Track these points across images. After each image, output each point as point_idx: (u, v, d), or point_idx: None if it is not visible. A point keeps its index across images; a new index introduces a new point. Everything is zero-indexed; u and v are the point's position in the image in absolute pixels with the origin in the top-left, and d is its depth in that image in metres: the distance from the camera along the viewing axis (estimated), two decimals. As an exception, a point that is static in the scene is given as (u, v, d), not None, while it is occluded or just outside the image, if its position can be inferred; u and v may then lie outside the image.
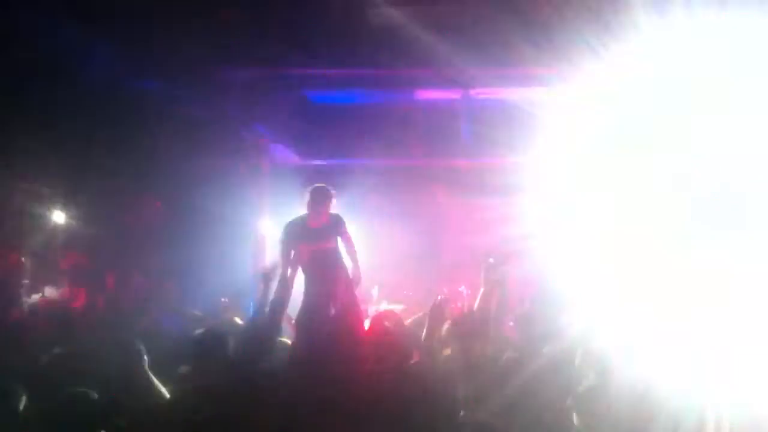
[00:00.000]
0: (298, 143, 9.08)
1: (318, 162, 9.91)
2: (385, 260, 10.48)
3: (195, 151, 8.78)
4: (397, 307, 9.73)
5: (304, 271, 6.33)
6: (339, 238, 6.55)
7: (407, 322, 5.18)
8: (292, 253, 6.29)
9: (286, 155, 9.16)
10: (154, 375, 3.83)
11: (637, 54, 7.01)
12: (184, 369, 4.22)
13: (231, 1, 6.98)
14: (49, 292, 7.85)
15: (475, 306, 4.79)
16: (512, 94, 8.52)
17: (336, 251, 6.46)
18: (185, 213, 8.70)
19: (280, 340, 4.70)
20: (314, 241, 6.37)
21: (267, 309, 4.64)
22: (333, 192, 6.41)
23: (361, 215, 10.85)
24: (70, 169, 7.27)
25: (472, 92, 8.21)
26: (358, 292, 6.81)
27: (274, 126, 8.35)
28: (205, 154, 8.90)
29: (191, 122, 8.61)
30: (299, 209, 9.38)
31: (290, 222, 6.43)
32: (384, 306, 9.78)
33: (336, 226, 6.43)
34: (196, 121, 8.63)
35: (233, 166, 8.83)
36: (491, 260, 4.96)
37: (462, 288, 10.10)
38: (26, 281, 7.68)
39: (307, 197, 6.24)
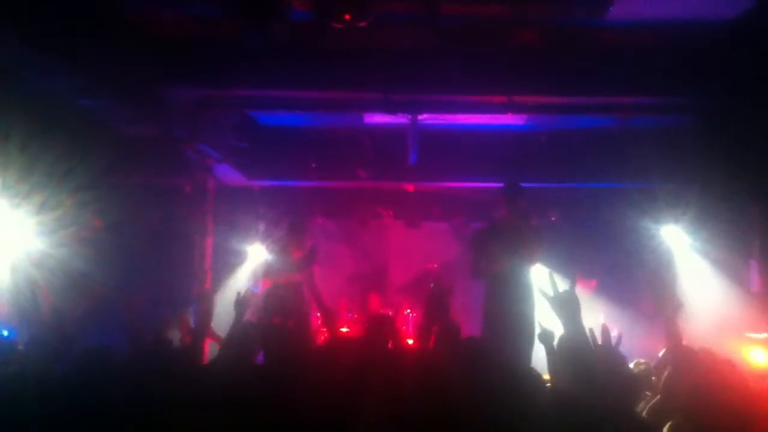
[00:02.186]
0: (244, 164, 9.03)
1: (264, 183, 9.87)
2: (330, 283, 10.47)
3: (138, 170, 8.68)
4: (342, 331, 9.72)
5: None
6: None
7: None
8: None
9: (231, 175, 9.09)
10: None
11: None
12: None
13: (176, 20, 6.92)
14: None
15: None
16: (459, 119, 8.62)
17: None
18: (127, 232, 8.57)
19: None
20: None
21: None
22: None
23: (305, 238, 10.84)
24: (6, 186, 7.10)
25: (419, 117, 8.27)
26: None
27: (220, 146, 8.28)
28: (149, 173, 8.80)
29: (135, 141, 8.50)
30: (244, 229, 9.35)
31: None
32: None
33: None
34: (140, 140, 8.53)
35: (178, 185, 8.74)
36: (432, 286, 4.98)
37: (408, 311, 10.16)
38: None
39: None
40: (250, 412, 3.35)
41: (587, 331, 3.58)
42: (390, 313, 9.86)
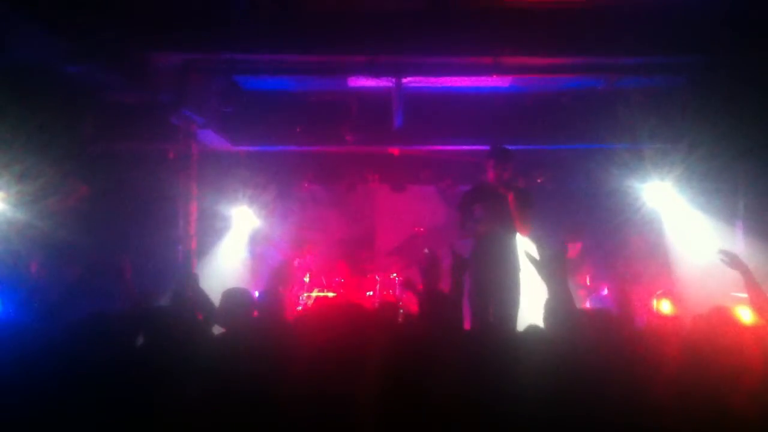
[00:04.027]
0: (229, 129, 8.96)
1: (249, 148, 9.81)
2: (317, 248, 10.50)
3: (122, 136, 8.61)
4: (329, 295, 9.75)
5: None
6: None
7: None
8: None
9: (216, 141, 9.02)
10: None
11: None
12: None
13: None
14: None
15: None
16: (445, 82, 8.57)
17: None
18: (111, 199, 8.54)
19: None
20: None
21: None
22: None
23: (293, 202, 10.85)
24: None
25: (404, 80, 8.21)
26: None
27: (204, 111, 8.20)
28: (132, 140, 8.74)
29: (119, 107, 8.43)
30: (230, 194, 9.33)
31: None
32: (315, 293, 9.80)
33: None
34: (124, 106, 8.45)
35: (162, 151, 8.68)
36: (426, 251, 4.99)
37: (394, 275, 10.18)
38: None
39: None
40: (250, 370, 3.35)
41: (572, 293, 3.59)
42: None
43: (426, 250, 5.13)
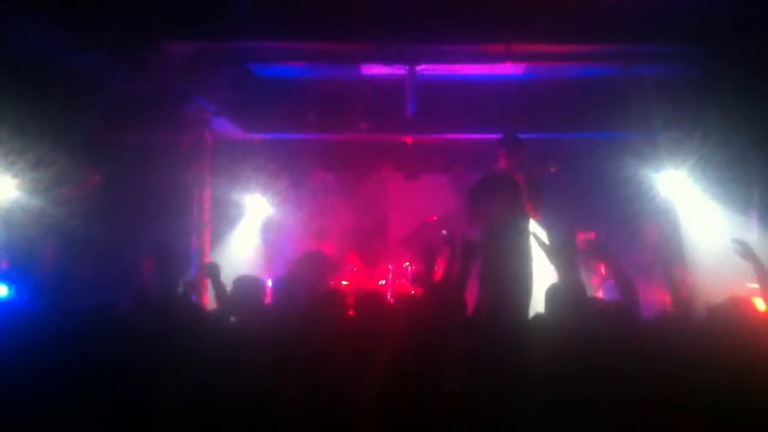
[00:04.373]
0: (242, 117, 8.96)
1: (262, 136, 9.81)
2: (330, 236, 10.50)
3: (136, 125, 8.62)
4: (342, 283, 9.76)
5: None
6: None
7: None
8: None
9: (229, 129, 9.03)
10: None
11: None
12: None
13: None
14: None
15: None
16: (459, 70, 8.53)
17: None
18: (125, 188, 8.56)
19: None
20: None
21: None
22: None
23: (305, 190, 10.85)
24: (4, 143, 7.08)
25: (418, 68, 8.18)
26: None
27: (217, 99, 8.21)
28: (146, 128, 8.75)
29: (132, 96, 8.44)
30: (243, 182, 9.34)
31: None
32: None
33: None
34: (137, 95, 8.46)
35: (175, 139, 8.69)
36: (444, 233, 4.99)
37: (406, 264, 10.18)
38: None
39: None
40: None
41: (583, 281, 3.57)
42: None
43: (444, 232, 5.11)
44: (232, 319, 4.56)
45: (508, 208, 6.66)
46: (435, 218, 10.62)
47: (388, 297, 9.36)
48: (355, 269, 10.20)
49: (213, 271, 5.16)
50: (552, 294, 3.68)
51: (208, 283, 5.25)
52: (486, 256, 6.60)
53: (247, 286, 4.74)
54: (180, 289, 5.34)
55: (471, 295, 5.17)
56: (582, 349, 3.17)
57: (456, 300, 4.09)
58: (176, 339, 3.64)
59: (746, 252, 4.84)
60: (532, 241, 6.54)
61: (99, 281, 7.36)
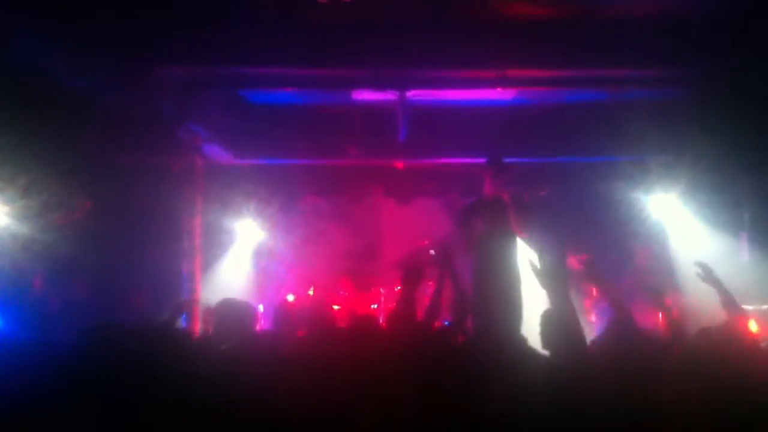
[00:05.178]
0: (233, 142, 8.98)
1: (253, 161, 9.82)
2: (321, 261, 10.48)
3: (127, 149, 8.62)
4: (334, 308, 9.73)
5: None
6: None
7: None
8: None
9: (220, 154, 9.04)
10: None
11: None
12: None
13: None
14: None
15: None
16: (449, 95, 8.57)
17: None
18: (116, 213, 8.53)
19: None
20: None
21: None
22: None
23: (297, 215, 10.84)
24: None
25: (408, 94, 8.22)
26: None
27: (209, 125, 8.23)
28: (137, 153, 8.74)
29: (124, 120, 8.44)
30: (233, 208, 9.32)
31: None
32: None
33: None
34: (129, 120, 8.46)
35: (166, 165, 8.69)
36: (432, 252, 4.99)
37: (398, 288, 10.15)
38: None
39: None
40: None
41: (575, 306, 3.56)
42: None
43: (432, 251, 5.12)
44: (222, 346, 4.53)
45: (496, 230, 6.67)
46: (427, 242, 10.62)
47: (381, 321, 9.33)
48: (347, 293, 10.18)
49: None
50: (546, 320, 3.69)
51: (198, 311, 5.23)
52: (475, 278, 6.60)
53: (231, 311, 4.70)
54: (168, 317, 5.31)
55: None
56: (577, 380, 3.17)
57: (424, 319, 4.09)
58: (164, 366, 3.61)
59: (707, 275, 4.74)
60: (522, 263, 6.54)
61: (90, 308, 7.33)
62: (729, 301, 4.50)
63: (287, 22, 7.09)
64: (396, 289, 10.18)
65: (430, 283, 5.70)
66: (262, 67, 7.59)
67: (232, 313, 4.68)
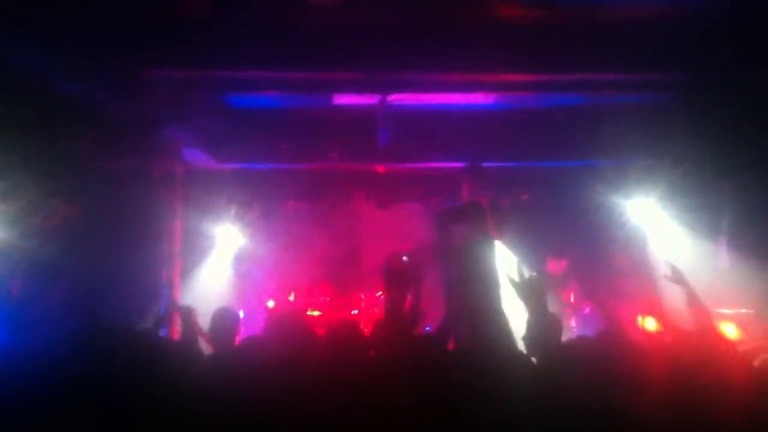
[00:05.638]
0: (214, 147, 8.93)
1: (234, 165, 9.78)
2: (302, 266, 10.45)
3: (106, 153, 8.55)
4: (314, 314, 9.71)
5: None
6: None
7: None
8: None
9: (200, 159, 8.99)
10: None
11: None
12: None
13: (145, 2, 6.79)
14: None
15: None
16: (431, 99, 8.57)
17: None
18: (96, 217, 8.46)
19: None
20: None
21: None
22: None
23: (278, 221, 10.80)
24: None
25: (389, 98, 8.22)
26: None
27: (189, 129, 8.17)
28: (116, 157, 8.67)
29: (102, 124, 8.37)
30: (215, 213, 9.27)
31: None
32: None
33: None
34: (108, 123, 8.39)
35: (147, 169, 8.63)
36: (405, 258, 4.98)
37: (380, 293, 10.15)
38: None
39: None
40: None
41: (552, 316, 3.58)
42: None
43: (404, 258, 5.09)
44: (206, 352, 4.52)
45: (474, 235, 6.66)
46: (409, 247, 10.61)
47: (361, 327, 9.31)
48: (327, 299, 10.15)
49: (184, 314, 5.12)
50: (527, 328, 3.70)
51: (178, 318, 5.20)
52: (450, 284, 6.59)
53: (226, 318, 4.75)
54: (149, 324, 5.28)
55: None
56: (560, 386, 3.18)
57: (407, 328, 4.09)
58: (151, 372, 3.58)
59: (675, 275, 4.77)
60: (500, 272, 6.54)
61: (69, 313, 7.25)
62: (694, 301, 4.52)
63: (268, 26, 7.06)
64: (377, 295, 10.17)
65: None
66: (243, 70, 7.55)
67: (222, 321, 4.72)
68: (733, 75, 7.09)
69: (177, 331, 6.78)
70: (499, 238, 6.74)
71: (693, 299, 4.53)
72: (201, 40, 6.90)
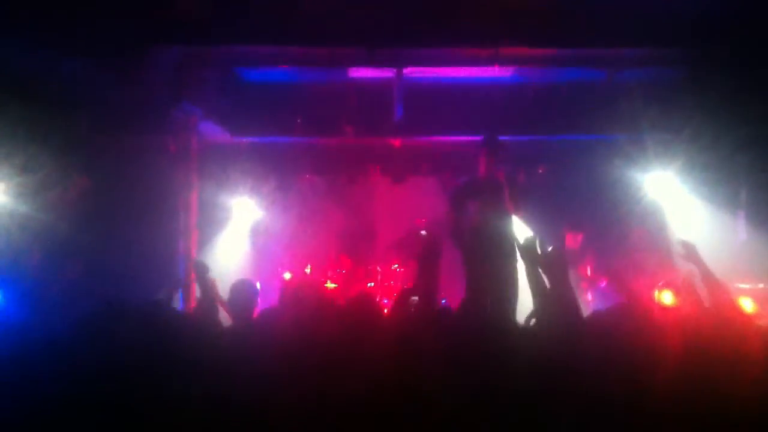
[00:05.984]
0: (229, 121, 8.94)
1: (249, 139, 9.79)
2: (318, 239, 10.48)
3: (122, 129, 8.58)
4: (331, 286, 9.76)
5: None
6: None
7: None
8: None
9: (216, 133, 9.00)
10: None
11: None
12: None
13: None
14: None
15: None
16: (446, 73, 8.54)
17: None
18: (113, 192, 8.51)
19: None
20: None
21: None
22: None
23: (293, 194, 10.82)
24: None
25: (405, 71, 8.19)
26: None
27: (204, 103, 8.19)
28: (133, 133, 8.70)
29: (118, 100, 8.39)
30: (230, 186, 9.30)
31: None
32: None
33: None
34: (124, 99, 8.41)
35: (162, 144, 8.66)
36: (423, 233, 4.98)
37: (395, 266, 10.19)
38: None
39: None
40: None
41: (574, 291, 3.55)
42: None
43: (423, 232, 5.09)
44: (225, 324, 4.55)
45: (490, 212, 6.64)
46: (424, 221, 10.62)
47: (378, 299, 9.37)
48: (343, 272, 10.20)
49: (200, 270, 5.17)
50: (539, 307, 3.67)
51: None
52: (469, 257, 6.59)
53: (245, 290, 4.81)
54: (164, 295, 5.33)
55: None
56: (574, 356, 3.17)
57: (428, 301, 4.08)
58: (166, 347, 3.61)
59: (689, 253, 4.70)
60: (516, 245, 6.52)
61: (87, 288, 7.32)
62: (709, 278, 4.45)
63: (283, 1, 7.04)
64: (393, 268, 10.20)
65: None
66: (258, 45, 7.54)
67: (240, 293, 4.78)
68: (750, 49, 7.01)
69: (195, 298, 6.85)
70: (516, 213, 6.72)
71: (708, 276, 4.47)
72: (212, 14, 6.90)
